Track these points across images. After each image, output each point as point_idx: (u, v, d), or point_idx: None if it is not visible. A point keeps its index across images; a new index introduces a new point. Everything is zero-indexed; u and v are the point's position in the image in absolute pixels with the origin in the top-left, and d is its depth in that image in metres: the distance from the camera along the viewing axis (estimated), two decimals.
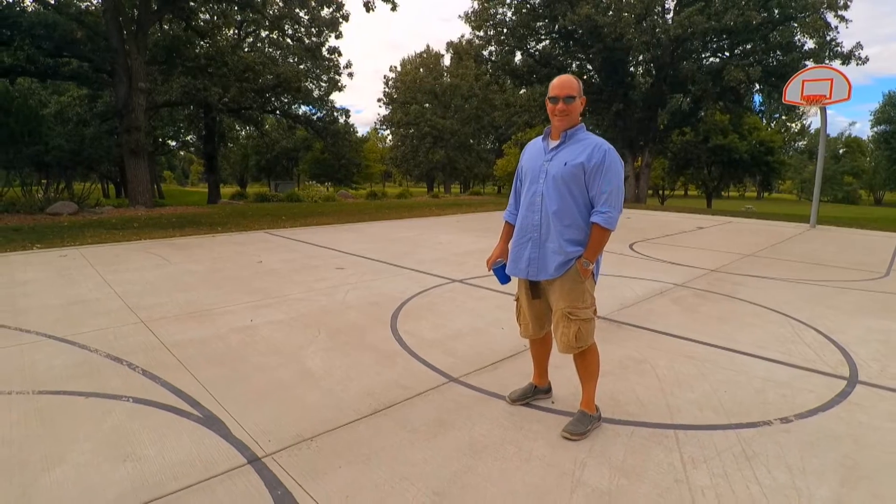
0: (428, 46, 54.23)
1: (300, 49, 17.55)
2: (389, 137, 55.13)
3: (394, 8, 13.59)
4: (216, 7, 15.90)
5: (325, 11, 15.15)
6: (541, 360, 2.77)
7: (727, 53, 18.33)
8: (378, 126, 50.61)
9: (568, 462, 2.28)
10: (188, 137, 38.21)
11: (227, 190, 40.63)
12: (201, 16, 15.94)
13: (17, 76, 12.86)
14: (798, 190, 57.85)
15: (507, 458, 2.31)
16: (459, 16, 19.99)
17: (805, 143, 58.83)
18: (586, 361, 2.49)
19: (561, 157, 2.35)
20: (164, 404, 2.84)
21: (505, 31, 20.16)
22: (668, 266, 6.84)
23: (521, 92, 26.37)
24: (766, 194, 62.99)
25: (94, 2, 14.94)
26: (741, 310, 4.82)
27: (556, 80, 2.36)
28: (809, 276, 6.42)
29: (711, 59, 19.02)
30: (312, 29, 16.60)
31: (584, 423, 2.47)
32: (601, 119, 21.90)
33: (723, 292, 5.44)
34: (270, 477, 2.18)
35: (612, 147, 2.32)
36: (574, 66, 21.43)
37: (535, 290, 2.50)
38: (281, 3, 15.92)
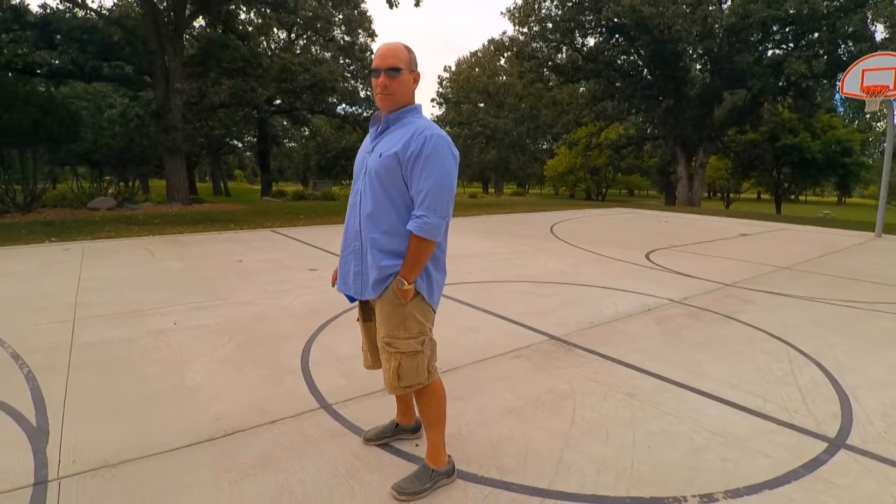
0: (483, 45, 53.66)
1: (336, 48, 17.63)
2: None
3: (417, 3, 13.29)
4: (249, 8, 16.26)
5: (347, 11, 15.07)
6: (401, 394, 2.29)
7: (791, 45, 16.47)
8: None
9: None
10: (249, 138, 39.90)
11: (288, 188, 42.03)
12: (242, 16, 16.40)
13: (62, 78, 13.78)
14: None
15: None
16: (502, 12, 19.35)
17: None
18: (422, 404, 1.99)
19: (379, 147, 1.87)
20: (14, 410, 2.66)
21: (549, 26, 19.31)
22: (677, 278, 6.03)
23: (560, 89, 25.13)
24: (846, 199, 57.17)
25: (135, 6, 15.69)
26: (734, 335, 4.05)
27: (379, 48, 1.89)
28: (840, 294, 5.42)
29: (774, 51, 17.20)
30: (342, 27, 16.59)
31: (422, 480, 1.97)
32: (651, 115, 20.50)
33: (723, 311, 4.65)
34: None
35: (441, 134, 1.80)
36: (621, 60, 20.19)
37: (365, 310, 2.03)
38: (315, 3, 16.06)
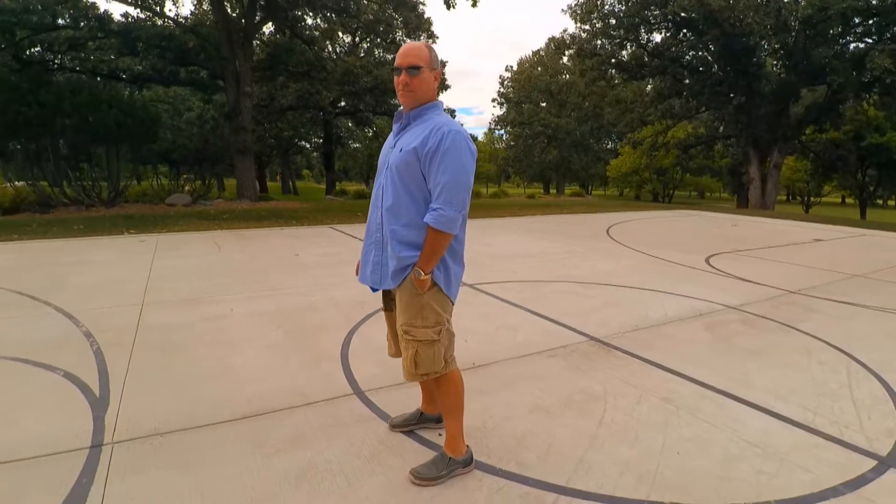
0: (545, 44, 52.83)
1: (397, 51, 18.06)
2: (505, 137, 54.57)
3: (474, 4, 13.36)
4: (315, 14, 16.90)
5: (406, 14, 15.35)
6: (426, 383, 2.35)
7: (874, 38, 15.04)
8: (493, 126, 50.46)
9: None
10: (316, 139, 41.41)
11: (350, 187, 43.31)
12: (308, 22, 17.13)
13: (144, 83, 15.06)
14: None
15: (327, 493, 1.97)
16: (563, 10, 18.92)
17: None
18: (441, 393, 2.05)
19: (401, 142, 1.95)
20: (81, 381, 2.97)
21: (613, 22, 18.75)
22: (737, 283, 5.74)
23: (624, 87, 24.27)
24: None
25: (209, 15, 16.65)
26: (791, 343, 3.81)
27: (401, 48, 1.97)
28: None
29: (856, 45, 15.82)
30: (403, 30, 16.93)
31: (438, 467, 2.03)
32: (721, 113, 19.39)
33: (782, 319, 4.38)
34: (91, 467, 2.14)
35: (459, 130, 1.85)
36: (689, 55, 19.25)
37: (387, 300, 2.12)
38: (376, 7, 16.49)
